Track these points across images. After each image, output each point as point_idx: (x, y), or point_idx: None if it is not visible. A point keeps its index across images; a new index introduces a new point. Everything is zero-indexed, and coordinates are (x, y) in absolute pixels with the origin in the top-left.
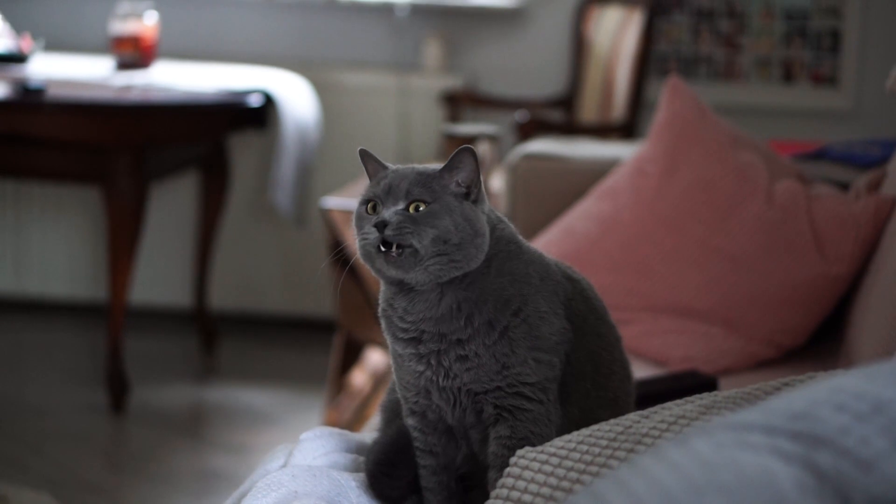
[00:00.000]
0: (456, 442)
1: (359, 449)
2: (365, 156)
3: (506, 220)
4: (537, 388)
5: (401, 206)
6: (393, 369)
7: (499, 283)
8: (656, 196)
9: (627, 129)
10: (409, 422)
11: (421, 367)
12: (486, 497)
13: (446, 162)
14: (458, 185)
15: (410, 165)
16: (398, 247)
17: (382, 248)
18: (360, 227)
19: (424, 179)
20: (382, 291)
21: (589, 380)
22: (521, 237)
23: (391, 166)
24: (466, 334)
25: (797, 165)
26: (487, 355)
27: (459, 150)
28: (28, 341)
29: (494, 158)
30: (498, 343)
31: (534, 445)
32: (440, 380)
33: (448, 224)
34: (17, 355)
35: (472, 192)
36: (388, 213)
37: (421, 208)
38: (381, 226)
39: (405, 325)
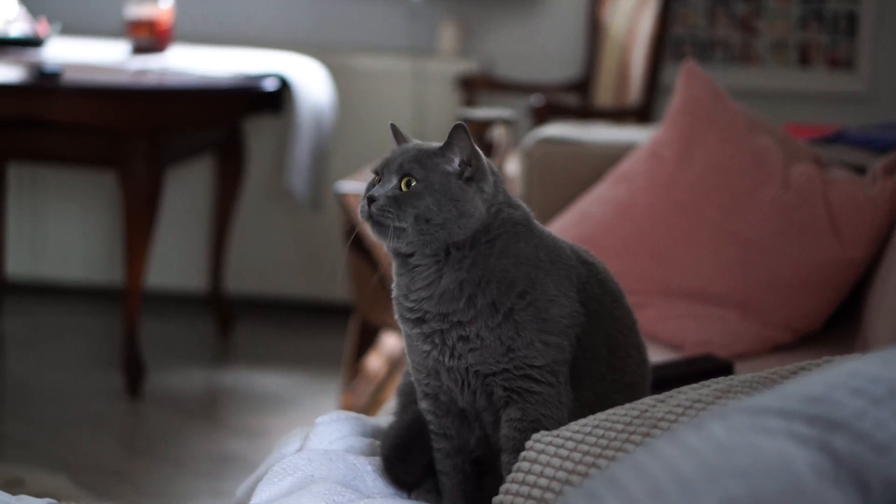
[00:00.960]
0: (469, 424)
1: (374, 433)
2: (394, 130)
3: (520, 202)
4: (546, 370)
5: (394, 181)
6: (406, 352)
7: (502, 264)
8: (672, 180)
9: (643, 113)
10: (423, 405)
11: (427, 347)
12: (501, 481)
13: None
14: (452, 162)
15: (418, 142)
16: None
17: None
18: (365, 192)
19: (420, 156)
20: (393, 272)
21: (604, 363)
22: (535, 221)
23: (413, 142)
24: (468, 316)
25: (813, 149)
26: (491, 337)
27: (453, 128)
28: (45, 325)
29: (510, 142)
30: (502, 325)
31: (545, 428)
32: (446, 360)
33: (430, 204)
34: (33, 339)
35: (466, 170)
36: (380, 190)
37: (412, 184)
38: (370, 200)
39: (409, 305)
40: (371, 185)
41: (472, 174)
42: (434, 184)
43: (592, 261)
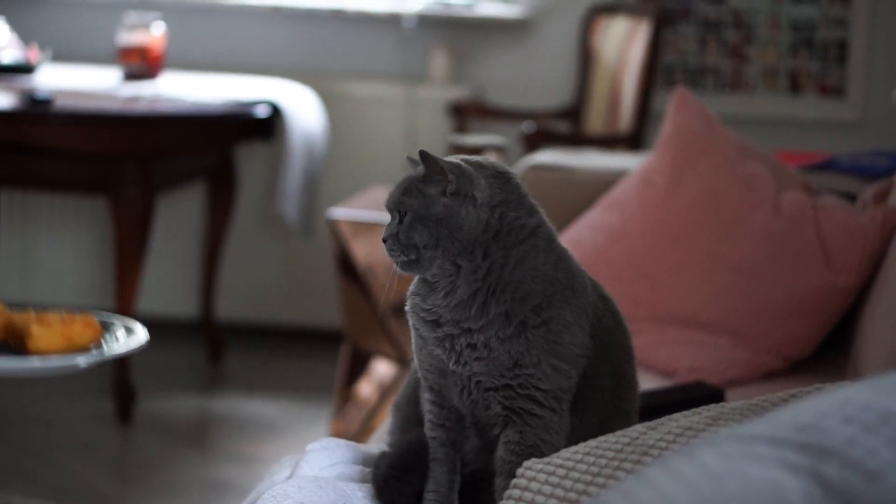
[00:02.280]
0: (466, 429)
1: (365, 460)
2: (410, 161)
3: (536, 208)
4: (550, 395)
5: (396, 218)
6: (414, 349)
7: (518, 275)
8: (663, 207)
9: (634, 140)
10: (426, 395)
11: (438, 351)
12: (494, 502)
13: None
14: (432, 184)
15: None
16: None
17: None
18: None
19: (406, 187)
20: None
21: (609, 392)
22: (558, 238)
23: (419, 170)
24: (479, 324)
25: (804, 176)
26: (501, 349)
27: (420, 156)
28: None
29: None
30: (513, 339)
31: (542, 454)
32: (451, 364)
33: (420, 231)
34: None
35: (447, 187)
36: (387, 230)
37: (405, 218)
38: (384, 241)
39: (426, 307)
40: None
41: (455, 188)
42: (419, 211)
43: (607, 296)
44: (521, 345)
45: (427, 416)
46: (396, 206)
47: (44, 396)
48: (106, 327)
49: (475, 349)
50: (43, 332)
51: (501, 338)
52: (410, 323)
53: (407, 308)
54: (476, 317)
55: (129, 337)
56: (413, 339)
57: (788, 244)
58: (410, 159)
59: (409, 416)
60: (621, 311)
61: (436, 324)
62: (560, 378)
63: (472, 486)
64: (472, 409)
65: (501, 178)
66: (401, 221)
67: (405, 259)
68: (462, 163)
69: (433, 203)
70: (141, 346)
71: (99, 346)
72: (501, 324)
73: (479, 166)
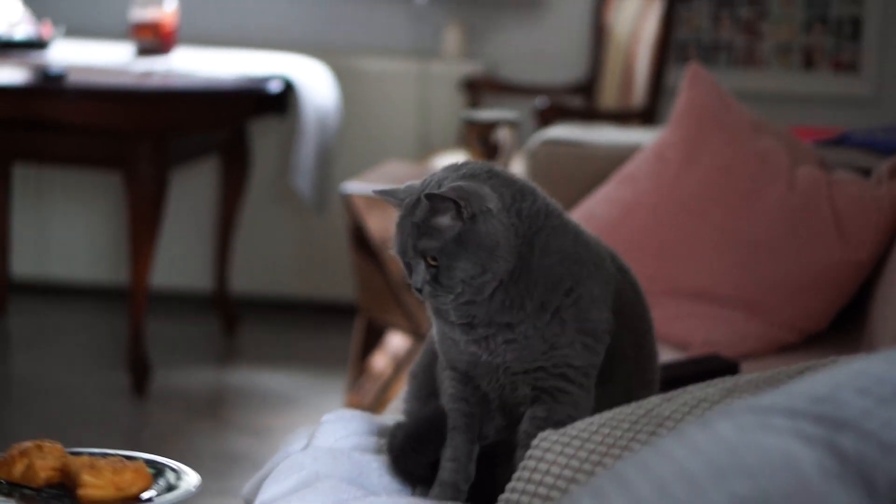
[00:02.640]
0: (488, 407)
1: (380, 431)
2: (381, 194)
3: (537, 191)
4: (580, 372)
5: (421, 264)
6: (437, 341)
7: (547, 263)
8: (676, 182)
9: (647, 116)
10: (448, 372)
11: (473, 348)
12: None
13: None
14: (447, 217)
15: (406, 196)
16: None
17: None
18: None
19: (423, 230)
20: None
21: (632, 362)
22: (558, 208)
23: (399, 199)
24: (518, 319)
25: (818, 151)
26: (536, 336)
27: (425, 199)
28: (50, 325)
29: (514, 144)
30: (549, 324)
31: None
32: (485, 356)
33: (462, 266)
34: (39, 338)
35: (463, 213)
36: (417, 278)
37: (434, 260)
38: (419, 292)
39: (460, 312)
40: (407, 270)
41: (472, 212)
42: (447, 247)
43: (626, 267)
44: (556, 326)
45: (448, 390)
46: (418, 252)
47: (59, 370)
48: (158, 472)
49: (514, 342)
50: (94, 480)
51: (538, 326)
52: (436, 323)
53: (430, 312)
54: (514, 313)
55: (180, 481)
56: (436, 333)
57: (803, 219)
58: (381, 193)
59: (426, 384)
60: (639, 283)
61: (469, 326)
62: (590, 354)
63: (490, 457)
64: (500, 392)
65: (493, 176)
66: (430, 265)
67: (459, 300)
68: (460, 183)
69: (454, 232)
70: (193, 492)
71: (149, 496)
72: (538, 314)
73: (471, 175)
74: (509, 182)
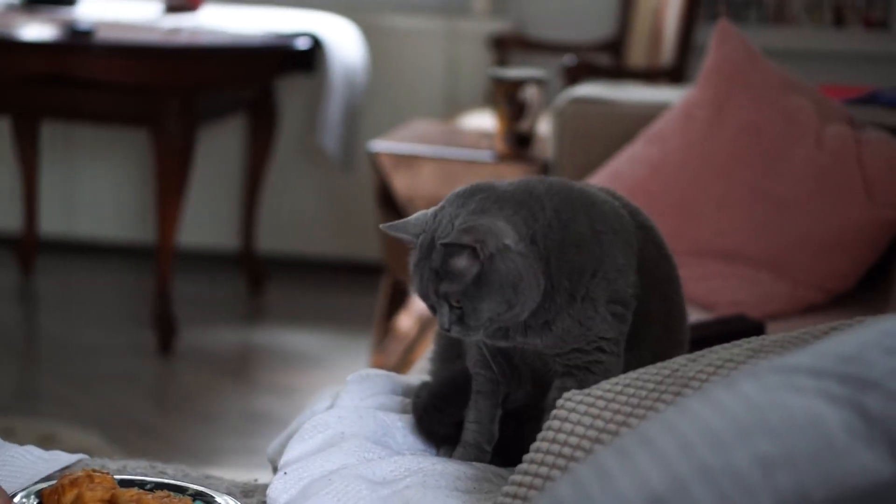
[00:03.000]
0: (515, 379)
1: (405, 391)
2: (391, 229)
3: (541, 196)
4: (612, 342)
5: (445, 307)
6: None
7: (568, 257)
8: (705, 140)
9: (676, 74)
10: (473, 348)
11: (504, 344)
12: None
13: (442, 259)
14: (465, 258)
15: (425, 246)
16: None
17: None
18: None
19: (443, 275)
20: None
21: (660, 325)
22: (568, 184)
23: (413, 236)
24: (551, 316)
25: (847, 110)
26: (571, 321)
27: (443, 249)
28: (77, 283)
29: (542, 102)
30: (581, 307)
31: None
32: (519, 344)
33: (488, 306)
34: (66, 297)
35: (480, 254)
36: (443, 320)
37: (459, 302)
38: (447, 332)
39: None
40: (431, 311)
41: (489, 252)
42: (470, 290)
43: (649, 224)
44: (588, 309)
45: (474, 356)
46: (441, 297)
47: (86, 328)
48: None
49: (550, 332)
50: None
51: (571, 313)
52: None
53: None
54: (546, 313)
55: None
56: None
57: (831, 178)
58: (391, 228)
59: (451, 345)
60: (664, 240)
61: (503, 333)
62: (620, 323)
63: (518, 418)
64: (531, 365)
65: (502, 201)
66: (454, 307)
67: (482, 336)
68: (473, 223)
69: (474, 274)
70: None
71: None
72: (568, 303)
73: (481, 210)
74: (518, 202)
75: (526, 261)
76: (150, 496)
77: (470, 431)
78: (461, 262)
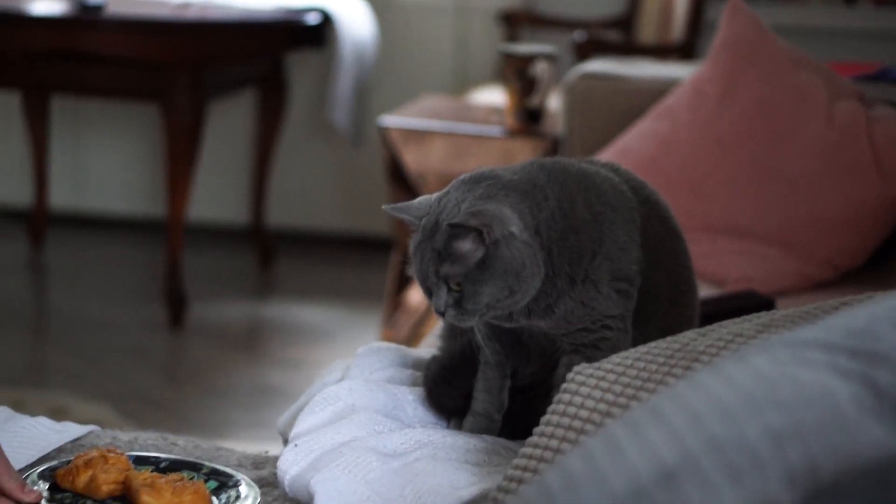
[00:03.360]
0: (523, 358)
1: (415, 364)
2: (394, 211)
3: (545, 185)
4: (618, 319)
5: (443, 290)
6: None
7: (569, 243)
8: (715, 116)
9: (686, 50)
10: (479, 326)
11: (507, 325)
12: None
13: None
14: (469, 241)
15: (429, 228)
16: None
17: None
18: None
19: (438, 258)
20: None
21: (667, 300)
22: (567, 167)
23: (415, 218)
24: (553, 300)
25: (858, 87)
26: (573, 303)
27: (449, 230)
28: (87, 257)
29: (552, 78)
30: (582, 289)
31: None
32: (521, 326)
33: (488, 290)
34: (76, 271)
35: (486, 238)
36: (439, 302)
37: (458, 285)
38: (441, 315)
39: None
40: (427, 294)
41: (495, 238)
42: (471, 274)
43: (654, 199)
44: (589, 289)
45: (482, 330)
46: (441, 279)
47: (96, 302)
48: (220, 486)
49: (553, 315)
50: (153, 501)
51: (572, 296)
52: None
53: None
54: (547, 298)
55: (238, 500)
56: None
57: (841, 155)
58: (395, 210)
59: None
60: (672, 213)
61: (506, 315)
62: (625, 300)
63: (527, 393)
64: (539, 342)
65: (508, 188)
66: (452, 290)
67: (478, 321)
68: (480, 207)
69: (477, 258)
70: None
71: None
72: (569, 287)
73: (487, 195)
74: (524, 192)
75: (529, 250)
76: (163, 479)
77: (479, 401)
78: (466, 244)
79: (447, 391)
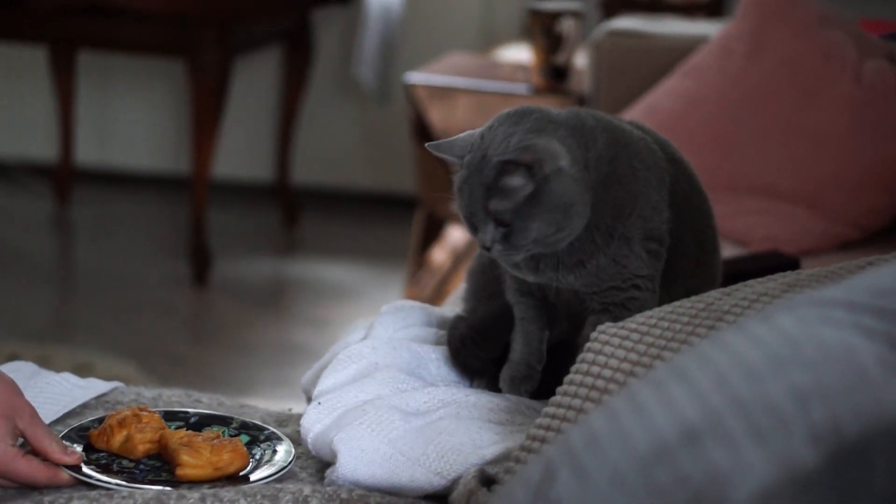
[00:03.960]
0: (554, 316)
1: (439, 323)
2: (435, 149)
3: (594, 126)
4: (647, 279)
5: (490, 225)
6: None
7: (611, 192)
8: (742, 74)
9: (714, 7)
10: (511, 275)
11: (532, 278)
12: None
13: (493, 177)
14: (519, 176)
15: (475, 163)
16: None
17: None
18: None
19: (485, 194)
20: None
21: (693, 259)
22: (608, 119)
23: (458, 157)
24: (586, 254)
25: (887, 45)
26: (606, 260)
27: (498, 166)
28: (112, 213)
29: (579, 35)
30: (616, 246)
31: None
32: (554, 284)
33: (536, 226)
34: (102, 227)
35: (537, 174)
36: (485, 237)
37: (508, 221)
38: (487, 251)
39: (528, 264)
40: (472, 229)
41: (546, 172)
42: (521, 209)
43: (679, 157)
44: (623, 247)
45: (513, 286)
46: (488, 214)
47: (121, 258)
48: (252, 440)
49: (584, 270)
50: (192, 460)
51: (608, 254)
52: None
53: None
54: (584, 252)
55: (275, 454)
56: None
57: (869, 113)
58: (435, 147)
59: (484, 286)
60: (695, 173)
61: (536, 269)
62: (655, 260)
63: (552, 353)
64: (567, 303)
65: (556, 124)
66: (500, 224)
67: (524, 256)
68: (531, 141)
69: (532, 197)
70: (287, 469)
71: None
72: (606, 242)
73: (536, 129)
74: (572, 127)
75: (578, 186)
76: (200, 437)
77: (517, 352)
78: (516, 180)
79: (475, 353)
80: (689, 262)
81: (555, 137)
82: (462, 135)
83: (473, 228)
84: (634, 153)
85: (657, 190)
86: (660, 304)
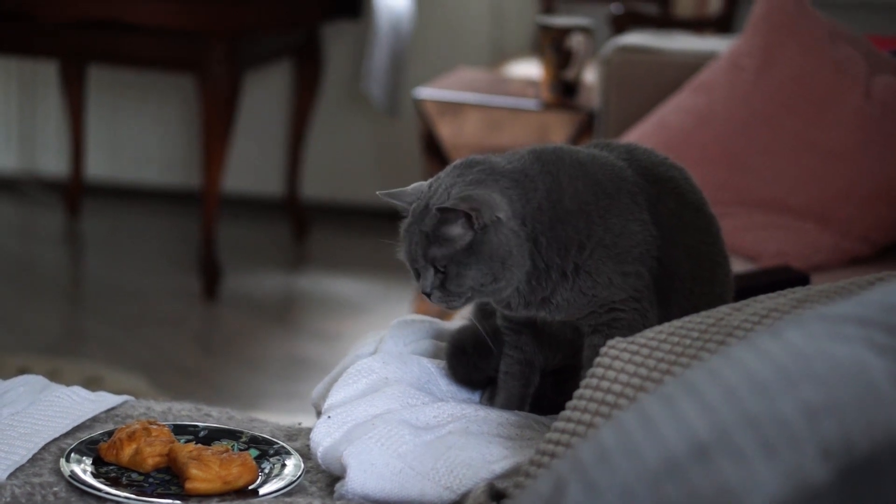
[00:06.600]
0: (545, 347)
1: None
2: (388, 196)
3: (538, 174)
4: (630, 300)
5: (430, 272)
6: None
7: (556, 232)
8: (752, 90)
9: (724, 23)
10: (499, 320)
11: (509, 314)
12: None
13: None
14: (458, 226)
15: (418, 211)
16: None
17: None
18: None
19: (432, 239)
20: None
21: (688, 278)
22: (564, 157)
23: (406, 203)
24: (547, 291)
25: None
26: (571, 294)
27: (439, 213)
28: (123, 227)
29: (588, 51)
30: (576, 281)
31: None
32: (537, 317)
33: (472, 274)
34: (112, 240)
35: (475, 224)
36: (426, 283)
37: (445, 269)
38: (427, 297)
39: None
40: (414, 275)
41: (483, 223)
42: (458, 257)
43: (669, 175)
44: (585, 280)
45: (504, 336)
46: (427, 261)
47: (131, 272)
48: (262, 454)
49: (555, 307)
50: (201, 474)
51: (568, 288)
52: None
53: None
54: (542, 290)
55: (284, 468)
56: None
57: (879, 129)
58: (388, 195)
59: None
60: (694, 187)
61: (508, 307)
62: (632, 280)
63: (555, 373)
64: (561, 330)
65: (497, 174)
66: (439, 272)
67: (462, 304)
68: (469, 192)
69: (465, 242)
70: (297, 483)
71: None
72: (561, 280)
73: (478, 181)
74: (514, 180)
75: (517, 238)
76: (209, 451)
77: (499, 405)
78: (455, 228)
79: (476, 366)
80: (684, 282)
81: (496, 189)
82: (413, 185)
83: (416, 274)
84: (588, 185)
85: (622, 216)
86: (658, 321)
